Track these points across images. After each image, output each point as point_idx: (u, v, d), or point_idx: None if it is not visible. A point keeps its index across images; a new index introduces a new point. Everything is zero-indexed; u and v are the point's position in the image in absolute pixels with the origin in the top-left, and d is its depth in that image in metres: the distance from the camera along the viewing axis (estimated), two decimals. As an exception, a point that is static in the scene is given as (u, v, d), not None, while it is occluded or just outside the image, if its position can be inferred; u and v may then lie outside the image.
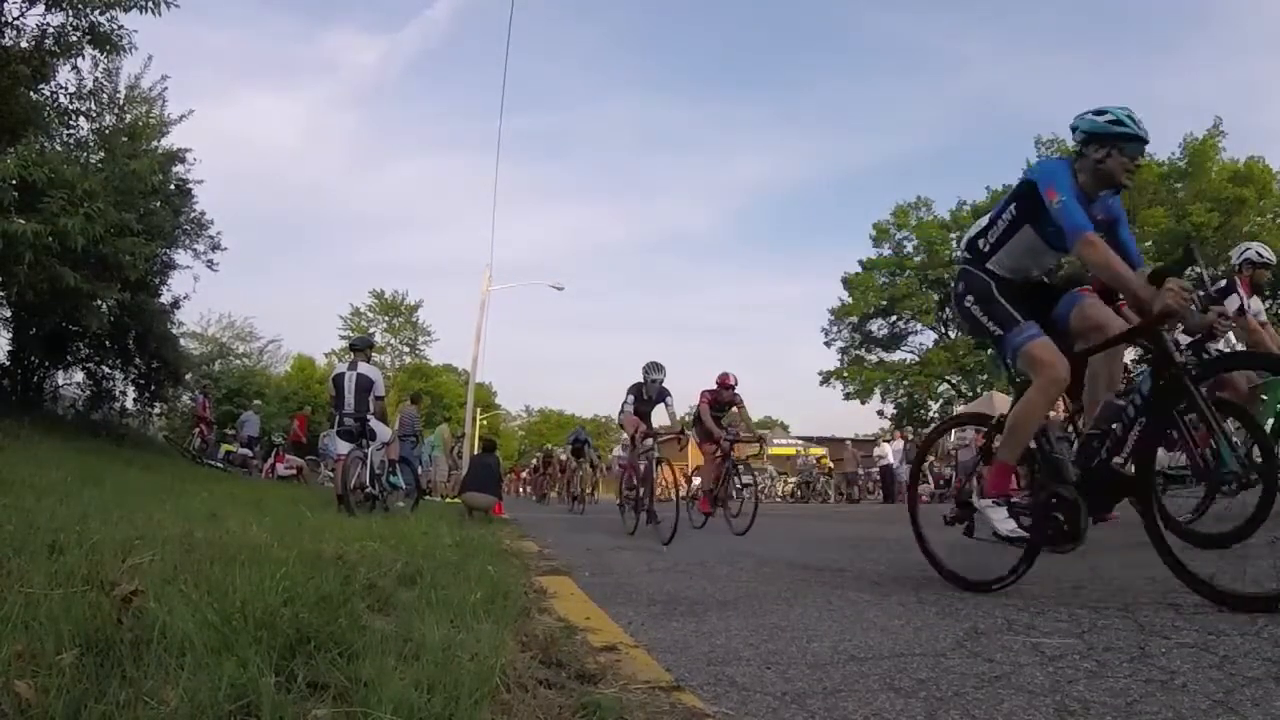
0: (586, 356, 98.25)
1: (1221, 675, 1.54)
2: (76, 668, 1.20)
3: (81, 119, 10.45)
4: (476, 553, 3.45)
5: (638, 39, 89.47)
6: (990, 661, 1.77)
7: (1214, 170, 25.34)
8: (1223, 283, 4.67)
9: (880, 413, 34.29)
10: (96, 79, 10.41)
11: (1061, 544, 2.62)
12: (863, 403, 33.93)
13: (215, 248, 13.34)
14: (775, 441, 30.41)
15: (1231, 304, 4.43)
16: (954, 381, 32.08)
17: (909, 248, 33.66)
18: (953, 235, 32.62)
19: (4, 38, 9.05)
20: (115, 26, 9.34)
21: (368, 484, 6.91)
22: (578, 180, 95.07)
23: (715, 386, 7.52)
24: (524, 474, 27.70)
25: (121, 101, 11.06)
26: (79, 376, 12.91)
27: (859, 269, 34.31)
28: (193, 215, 12.96)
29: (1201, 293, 2.58)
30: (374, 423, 7.10)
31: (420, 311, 45.41)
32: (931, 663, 1.79)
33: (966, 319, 2.89)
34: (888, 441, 17.49)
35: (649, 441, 6.78)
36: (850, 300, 34.01)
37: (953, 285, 3.06)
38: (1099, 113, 2.58)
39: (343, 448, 6.99)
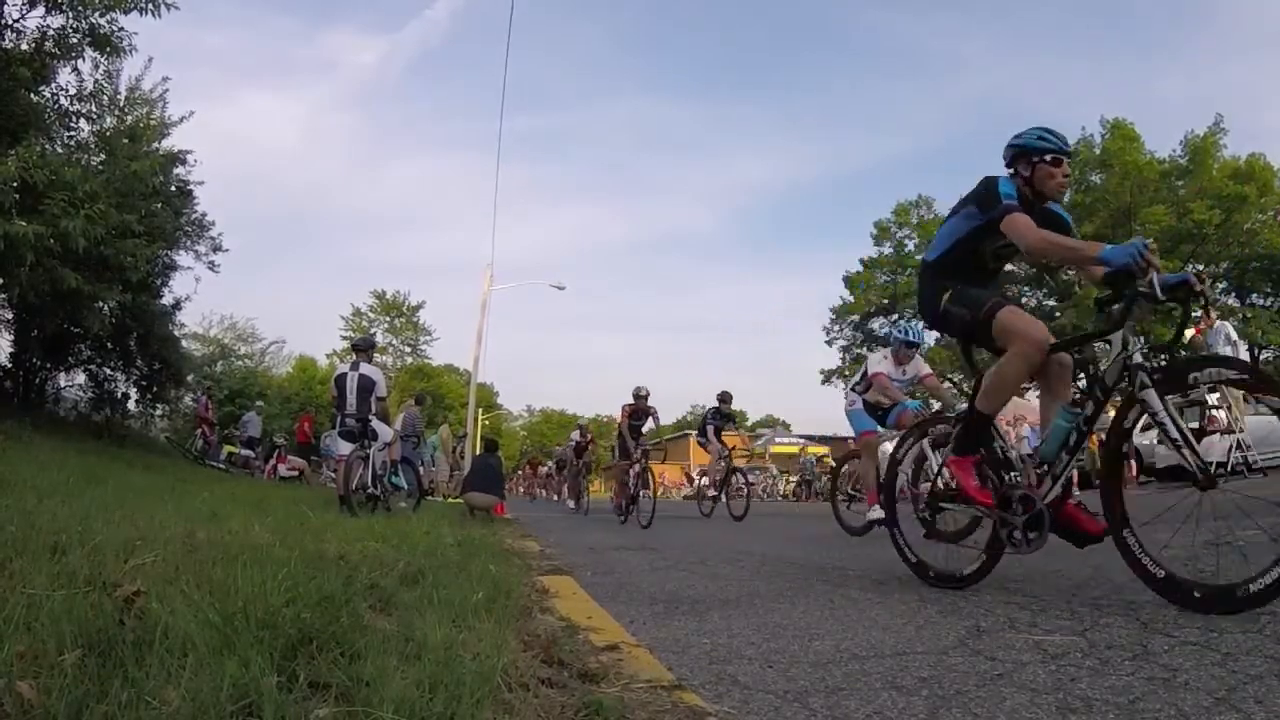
0: (587, 356, 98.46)
1: (1224, 672, 1.53)
2: (78, 668, 1.20)
3: (82, 121, 10.47)
4: (478, 552, 3.45)
5: (638, 39, 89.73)
6: (992, 659, 1.77)
7: (1215, 167, 25.29)
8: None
9: (882, 411, 34.25)
10: (97, 81, 10.38)
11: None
12: (864, 401, 33.89)
13: (216, 249, 13.35)
14: (777, 440, 30.43)
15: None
16: (956, 380, 32.01)
17: (910, 246, 33.55)
18: (954, 234, 32.57)
19: (4, 40, 9.07)
20: (115, 28, 9.38)
21: (370, 484, 6.92)
22: (578, 180, 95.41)
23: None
24: (542, 469, 22.74)
25: (122, 103, 11.03)
26: (80, 378, 12.94)
27: (860, 267, 34.23)
28: (194, 216, 12.96)
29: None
30: (376, 423, 7.11)
31: (422, 312, 45.46)
32: (933, 661, 1.79)
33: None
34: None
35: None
36: (851, 299, 33.93)
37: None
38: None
39: (345, 448, 7.01)
